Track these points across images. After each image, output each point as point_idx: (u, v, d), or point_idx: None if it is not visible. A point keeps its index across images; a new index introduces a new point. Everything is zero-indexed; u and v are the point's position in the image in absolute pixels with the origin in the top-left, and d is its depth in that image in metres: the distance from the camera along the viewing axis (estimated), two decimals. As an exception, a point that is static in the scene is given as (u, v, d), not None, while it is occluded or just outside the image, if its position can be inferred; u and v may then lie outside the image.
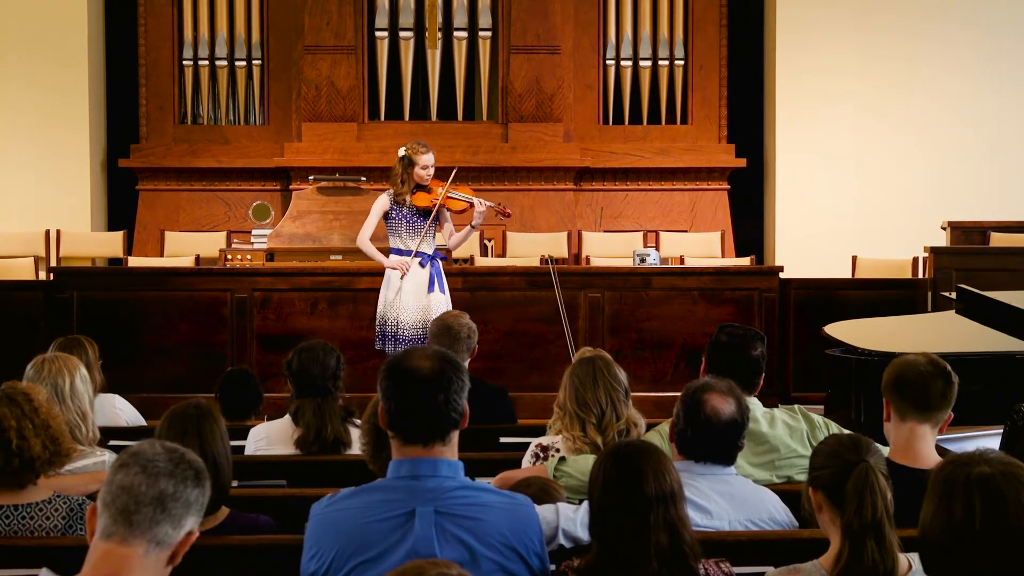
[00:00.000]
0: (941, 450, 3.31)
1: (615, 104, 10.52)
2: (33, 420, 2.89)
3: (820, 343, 6.02)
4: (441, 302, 6.22)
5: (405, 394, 2.38)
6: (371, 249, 6.37)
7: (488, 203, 6.33)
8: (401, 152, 6.29)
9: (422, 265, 6.24)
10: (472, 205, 6.30)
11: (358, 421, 3.83)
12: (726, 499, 2.90)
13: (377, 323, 6.32)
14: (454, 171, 6.35)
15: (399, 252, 6.28)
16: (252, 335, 7.18)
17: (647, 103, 10.45)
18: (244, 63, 10.43)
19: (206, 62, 10.38)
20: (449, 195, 6.29)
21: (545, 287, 7.18)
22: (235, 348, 7.17)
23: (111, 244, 9.81)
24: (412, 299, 6.19)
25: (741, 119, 10.55)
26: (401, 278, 6.21)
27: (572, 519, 2.70)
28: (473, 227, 6.31)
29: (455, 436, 2.41)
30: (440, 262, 6.34)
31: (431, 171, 6.27)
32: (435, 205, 6.24)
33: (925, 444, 3.07)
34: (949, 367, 3.09)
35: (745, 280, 7.38)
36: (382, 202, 6.32)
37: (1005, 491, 1.98)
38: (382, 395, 2.42)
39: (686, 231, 10.26)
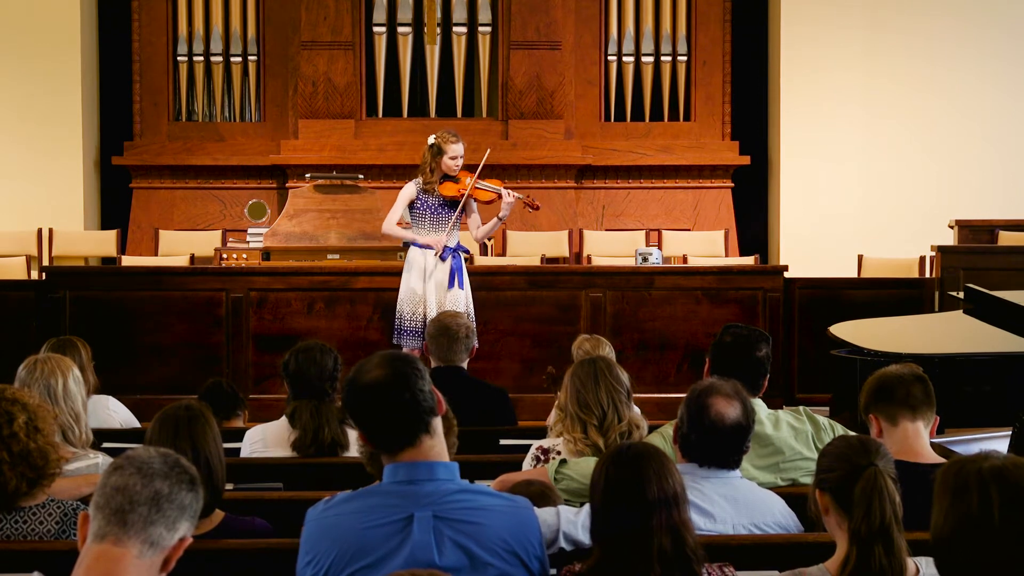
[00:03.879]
0: (947, 452, 3.31)
1: (617, 100, 10.47)
2: (11, 447, 2.75)
3: (825, 343, 6.00)
4: (460, 298, 6.16)
5: (374, 408, 2.36)
6: (398, 230, 6.29)
7: (516, 194, 6.30)
8: (431, 140, 6.24)
9: (443, 259, 6.15)
10: (500, 196, 6.24)
11: (355, 423, 3.78)
12: (730, 502, 2.88)
13: (396, 316, 6.22)
14: (483, 161, 6.31)
15: (419, 245, 6.20)
16: (248, 335, 7.12)
17: (649, 100, 10.41)
18: (240, 59, 10.39)
19: (201, 58, 10.32)
20: (477, 185, 6.22)
21: (545, 287, 7.13)
22: (230, 349, 7.11)
23: (104, 243, 9.75)
24: (433, 295, 6.11)
25: (745, 116, 10.51)
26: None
27: (573, 521, 2.69)
28: (500, 219, 6.26)
29: (437, 423, 2.40)
30: (462, 256, 6.26)
31: (460, 161, 6.21)
32: (463, 195, 6.17)
33: (921, 442, 3.11)
34: (922, 370, 3.18)
35: (749, 280, 7.33)
36: (408, 190, 6.24)
37: (1021, 480, 1.92)
38: (354, 419, 2.42)
39: (689, 230, 10.22)
